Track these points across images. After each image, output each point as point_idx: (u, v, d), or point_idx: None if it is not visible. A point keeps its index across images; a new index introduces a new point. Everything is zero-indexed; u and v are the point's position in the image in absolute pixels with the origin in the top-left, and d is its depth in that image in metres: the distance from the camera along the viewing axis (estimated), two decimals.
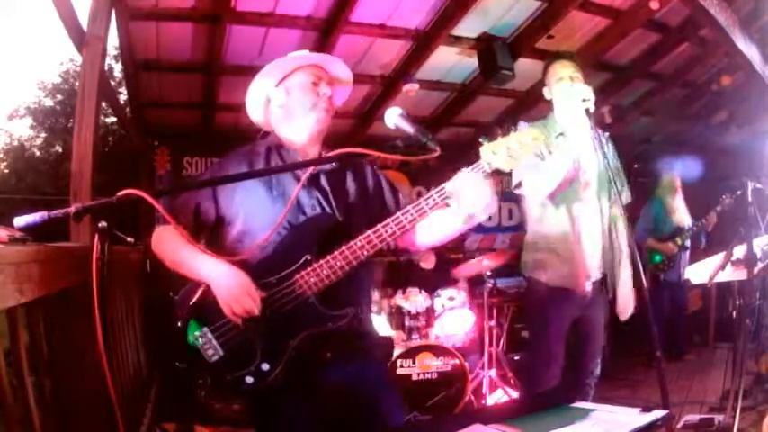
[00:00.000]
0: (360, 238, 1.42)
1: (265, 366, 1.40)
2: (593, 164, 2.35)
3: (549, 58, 2.53)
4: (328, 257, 1.42)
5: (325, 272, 1.41)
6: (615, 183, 2.19)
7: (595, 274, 2.36)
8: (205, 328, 1.43)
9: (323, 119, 1.59)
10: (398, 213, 1.43)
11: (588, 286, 2.32)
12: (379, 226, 1.42)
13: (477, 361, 3.86)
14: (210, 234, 1.57)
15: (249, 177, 1.51)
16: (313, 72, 1.61)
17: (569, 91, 2.30)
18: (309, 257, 1.43)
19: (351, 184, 1.64)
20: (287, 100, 1.62)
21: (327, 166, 1.60)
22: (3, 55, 32.04)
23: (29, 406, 1.31)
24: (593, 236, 2.35)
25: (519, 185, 2.36)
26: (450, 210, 1.49)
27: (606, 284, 2.39)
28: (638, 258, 2.08)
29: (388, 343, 3.45)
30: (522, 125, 2.28)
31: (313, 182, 1.56)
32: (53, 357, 1.54)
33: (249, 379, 1.40)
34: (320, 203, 1.54)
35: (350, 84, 1.73)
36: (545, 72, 2.49)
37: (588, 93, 2.16)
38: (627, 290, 2.34)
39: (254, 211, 1.50)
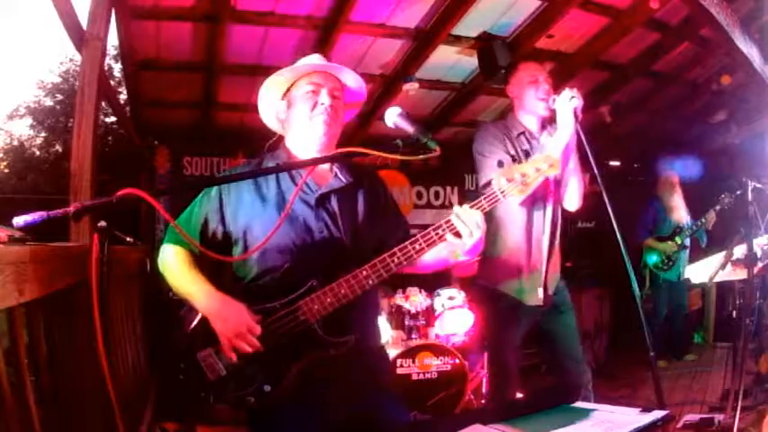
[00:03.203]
0: (366, 267, 1.40)
1: (267, 388, 1.41)
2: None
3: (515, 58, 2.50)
4: (333, 285, 1.40)
5: (329, 300, 1.40)
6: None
7: (551, 284, 2.28)
8: (210, 349, 1.43)
9: (323, 130, 1.53)
10: (407, 243, 1.41)
11: (540, 294, 2.24)
12: (385, 255, 1.40)
13: (477, 361, 3.86)
14: (218, 253, 1.53)
15: (248, 177, 1.50)
16: (313, 80, 1.56)
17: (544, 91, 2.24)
18: (315, 283, 1.41)
19: (361, 205, 1.59)
20: (288, 113, 1.60)
21: (339, 185, 1.57)
22: (3, 55, 32.00)
23: (29, 406, 1.30)
24: (544, 240, 2.26)
25: (488, 185, 2.14)
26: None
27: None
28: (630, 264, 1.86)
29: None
30: (484, 126, 2.29)
31: (322, 203, 1.53)
32: (53, 357, 1.53)
33: (251, 399, 1.41)
34: (327, 226, 1.51)
35: (361, 92, 1.67)
36: (513, 72, 2.40)
37: (575, 92, 2.08)
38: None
39: (260, 231, 1.48)
